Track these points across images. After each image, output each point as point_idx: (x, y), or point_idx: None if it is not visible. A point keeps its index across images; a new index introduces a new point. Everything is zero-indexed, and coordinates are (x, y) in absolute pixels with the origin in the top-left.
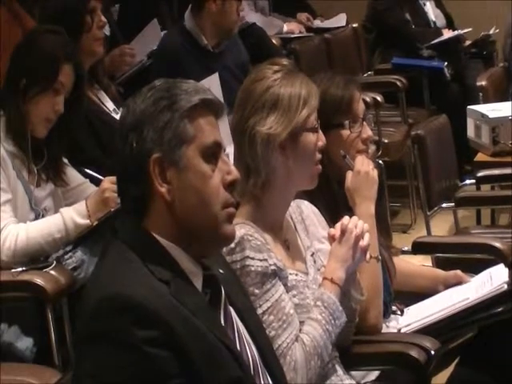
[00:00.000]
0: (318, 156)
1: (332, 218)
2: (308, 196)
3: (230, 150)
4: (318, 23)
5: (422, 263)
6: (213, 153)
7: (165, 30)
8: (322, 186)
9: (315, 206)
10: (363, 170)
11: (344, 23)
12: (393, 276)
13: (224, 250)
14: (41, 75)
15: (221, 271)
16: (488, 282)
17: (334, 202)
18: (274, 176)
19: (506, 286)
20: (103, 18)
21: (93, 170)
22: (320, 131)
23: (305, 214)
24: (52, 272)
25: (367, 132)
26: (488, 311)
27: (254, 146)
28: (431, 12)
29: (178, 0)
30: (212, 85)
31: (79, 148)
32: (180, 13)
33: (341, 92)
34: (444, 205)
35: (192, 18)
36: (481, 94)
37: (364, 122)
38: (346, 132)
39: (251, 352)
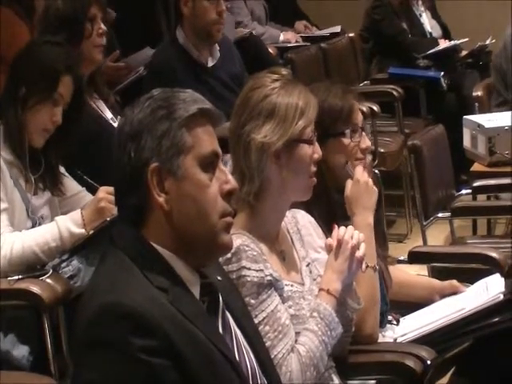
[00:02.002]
0: (313, 168)
1: (329, 228)
2: (305, 205)
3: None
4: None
5: (417, 273)
6: (210, 162)
7: (161, 41)
8: (319, 195)
9: (312, 215)
10: (363, 180)
11: (338, 30)
12: (389, 286)
13: (220, 259)
14: (40, 86)
15: (218, 278)
16: (484, 291)
17: (331, 211)
18: (267, 185)
19: (502, 296)
20: (103, 26)
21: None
22: (316, 143)
23: (300, 224)
24: (48, 280)
25: (366, 142)
26: (484, 321)
27: (249, 153)
28: (427, 23)
29: (175, 12)
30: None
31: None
32: (177, 24)
33: (340, 101)
34: (440, 214)
35: (182, 31)
36: (477, 104)
37: (363, 132)
38: (346, 140)
39: (249, 360)
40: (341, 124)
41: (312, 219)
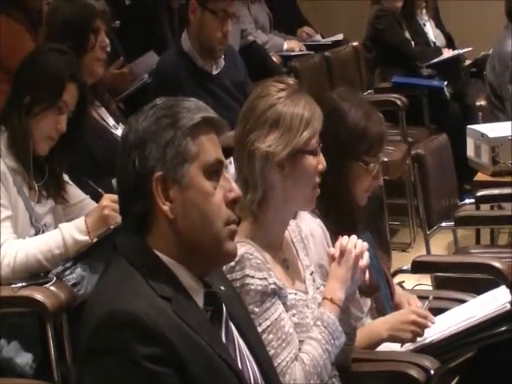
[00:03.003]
0: (317, 179)
1: (349, 233)
2: (322, 212)
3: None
4: (318, 37)
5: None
6: (215, 170)
7: (165, 49)
8: (342, 202)
9: (328, 221)
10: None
11: (341, 38)
12: (393, 292)
13: (224, 268)
14: (45, 93)
15: (222, 288)
16: (491, 302)
17: (352, 217)
18: (271, 194)
19: (509, 306)
20: (106, 40)
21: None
22: (321, 154)
23: (303, 233)
24: (52, 288)
25: (380, 180)
26: (490, 331)
27: (253, 162)
28: (431, 32)
29: (179, 19)
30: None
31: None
32: (180, 32)
33: (378, 131)
34: (443, 224)
35: (188, 39)
36: (480, 113)
37: (380, 170)
38: (367, 174)
39: (252, 370)
40: (370, 155)
41: (315, 230)
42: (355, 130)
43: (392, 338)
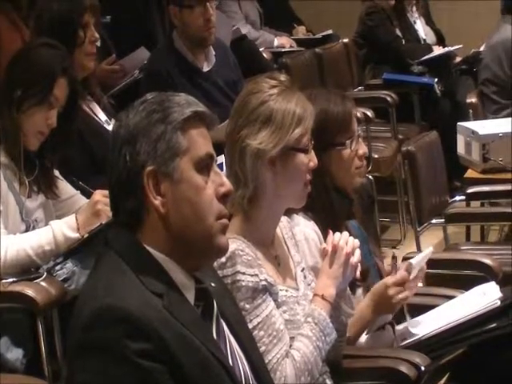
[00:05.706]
0: (308, 177)
1: (332, 228)
2: (306, 206)
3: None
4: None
5: None
6: (206, 164)
7: (155, 45)
8: (320, 196)
9: (313, 215)
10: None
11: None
12: None
13: (215, 264)
14: (36, 88)
15: (213, 284)
16: (481, 298)
17: (332, 211)
18: (261, 191)
19: (499, 302)
20: (96, 34)
21: (82, 181)
22: (312, 152)
23: (297, 235)
24: (43, 283)
25: (363, 148)
26: (481, 327)
27: (244, 159)
28: (421, 29)
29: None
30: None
31: (69, 158)
32: (171, 28)
33: (341, 110)
34: (434, 221)
35: (178, 38)
36: (471, 110)
37: (359, 139)
38: (346, 152)
39: (243, 366)
40: (342, 134)
41: (309, 234)
42: (318, 118)
43: (380, 315)
